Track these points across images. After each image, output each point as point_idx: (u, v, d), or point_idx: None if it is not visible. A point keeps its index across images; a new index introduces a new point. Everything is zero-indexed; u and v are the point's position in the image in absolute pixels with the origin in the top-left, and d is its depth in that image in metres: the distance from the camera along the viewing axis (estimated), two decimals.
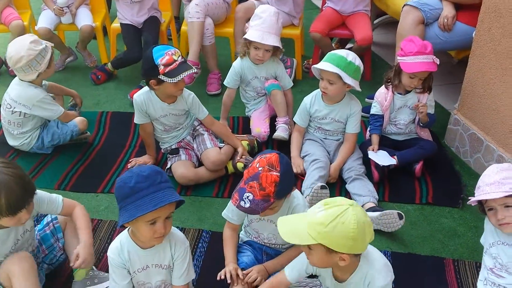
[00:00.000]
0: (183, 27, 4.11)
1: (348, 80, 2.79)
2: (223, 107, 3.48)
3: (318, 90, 3.02)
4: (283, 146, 3.25)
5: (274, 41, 3.23)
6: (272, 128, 3.41)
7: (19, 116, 3.08)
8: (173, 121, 3.02)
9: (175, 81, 2.71)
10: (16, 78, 3.11)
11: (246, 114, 3.61)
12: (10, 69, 4.22)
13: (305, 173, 2.95)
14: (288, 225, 1.81)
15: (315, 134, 3.14)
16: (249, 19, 4.11)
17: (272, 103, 3.41)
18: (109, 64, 4.12)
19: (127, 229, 2.00)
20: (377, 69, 4.21)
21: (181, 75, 2.73)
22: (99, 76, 4.11)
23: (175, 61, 2.72)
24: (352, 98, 3.01)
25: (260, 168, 1.98)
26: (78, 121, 3.22)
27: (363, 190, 2.80)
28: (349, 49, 4.35)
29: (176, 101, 2.94)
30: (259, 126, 3.40)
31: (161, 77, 2.71)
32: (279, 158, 2.00)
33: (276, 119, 3.40)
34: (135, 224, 1.87)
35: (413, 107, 3.05)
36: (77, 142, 3.32)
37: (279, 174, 1.96)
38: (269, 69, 3.39)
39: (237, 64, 3.41)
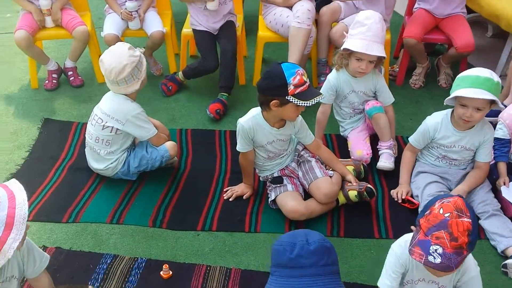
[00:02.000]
0: (262, 33, 3.74)
1: (500, 104, 2.42)
2: (317, 125, 3.13)
3: (445, 113, 2.66)
4: (390, 173, 2.95)
5: (380, 51, 2.87)
6: (373, 149, 3.07)
7: (110, 132, 2.76)
8: (278, 147, 2.68)
9: (309, 104, 2.37)
10: (110, 92, 2.80)
11: (341, 134, 3.26)
12: (71, 78, 3.91)
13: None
14: None
15: (435, 163, 2.77)
16: (332, 24, 3.79)
17: (374, 127, 3.06)
18: (180, 73, 3.77)
19: None
20: None
21: (315, 99, 2.38)
22: (170, 87, 3.75)
23: (305, 82, 2.38)
24: (485, 123, 2.63)
25: (446, 215, 1.67)
26: (169, 146, 2.86)
27: (505, 230, 2.46)
28: (440, 54, 3.98)
29: (285, 126, 2.61)
30: (360, 148, 3.04)
31: (290, 98, 2.36)
32: (465, 202, 1.72)
33: (379, 143, 3.06)
34: None
35: None
36: (162, 167, 2.97)
37: (470, 220, 1.67)
38: (368, 83, 3.04)
39: (332, 77, 3.06)
